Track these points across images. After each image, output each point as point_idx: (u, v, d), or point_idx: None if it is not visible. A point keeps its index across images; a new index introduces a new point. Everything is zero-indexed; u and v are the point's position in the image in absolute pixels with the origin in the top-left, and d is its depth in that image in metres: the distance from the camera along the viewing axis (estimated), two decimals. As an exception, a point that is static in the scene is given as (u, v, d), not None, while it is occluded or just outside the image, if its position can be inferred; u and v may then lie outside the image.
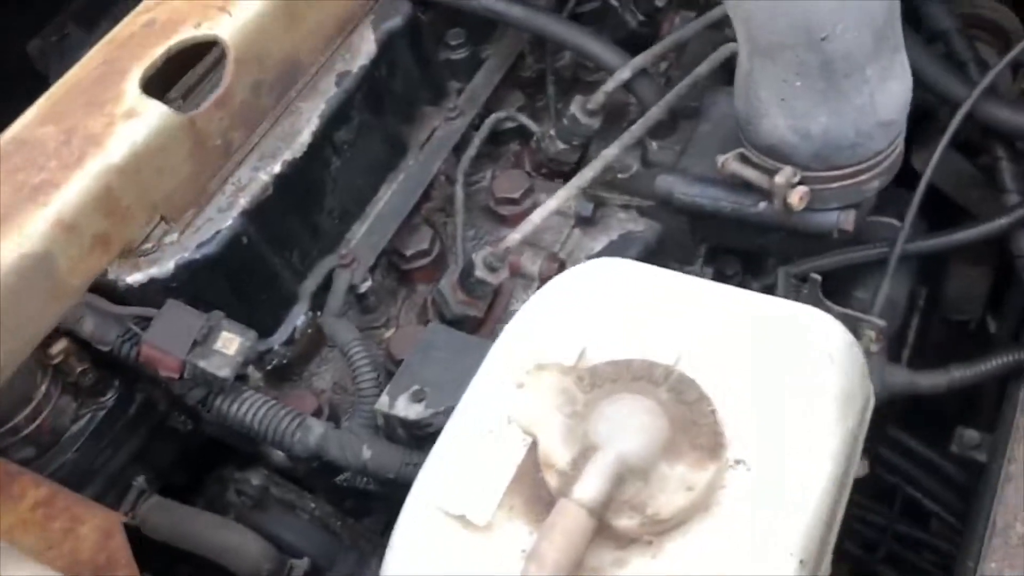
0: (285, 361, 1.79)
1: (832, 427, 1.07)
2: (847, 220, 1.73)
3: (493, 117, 2.00)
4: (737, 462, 1.04)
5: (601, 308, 1.19)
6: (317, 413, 1.71)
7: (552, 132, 1.95)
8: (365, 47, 1.85)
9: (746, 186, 1.73)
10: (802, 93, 1.58)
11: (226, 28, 1.20)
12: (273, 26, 1.22)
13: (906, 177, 1.92)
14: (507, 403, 1.09)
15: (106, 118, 1.15)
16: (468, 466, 1.09)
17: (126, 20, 1.22)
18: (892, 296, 2.09)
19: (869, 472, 2.45)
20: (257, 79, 1.22)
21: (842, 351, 1.14)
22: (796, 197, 1.66)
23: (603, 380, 1.07)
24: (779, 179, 1.66)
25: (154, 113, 1.16)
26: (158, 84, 1.17)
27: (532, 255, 1.86)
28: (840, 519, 1.20)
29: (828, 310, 1.97)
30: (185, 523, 1.68)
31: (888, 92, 1.61)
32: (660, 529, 1.00)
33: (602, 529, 1.00)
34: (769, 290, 2.10)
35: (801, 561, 0.99)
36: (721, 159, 1.73)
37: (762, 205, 1.74)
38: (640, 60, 1.87)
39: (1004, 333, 2.41)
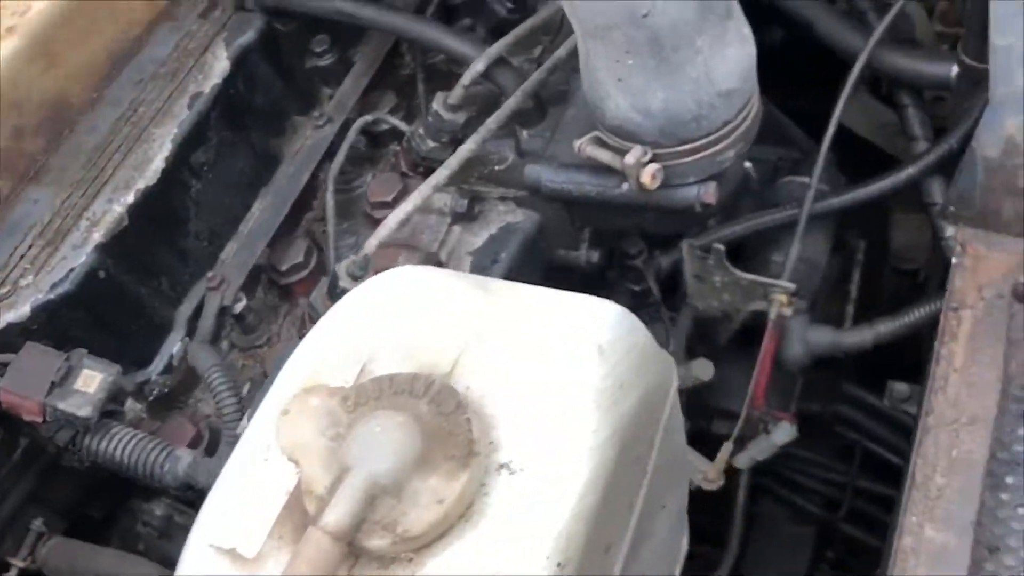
0: (166, 390, 1.78)
1: (594, 421, 1.04)
2: (708, 193, 1.69)
3: (361, 120, 1.97)
4: (502, 466, 1.02)
5: (388, 321, 1.16)
6: (196, 441, 1.70)
7: (421, 131, 1.93)
8: (219, 66, 1.84)
9: (608, 169, 1.71)
10: (636, 71, 1.56)
11: (-28, 76, 1.19)
12: (28, 69, 1.21)
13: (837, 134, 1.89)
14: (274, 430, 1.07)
15: None
16: (242, 497, 1.08)
17: None
18: (809, 256, 2.06)
19: (828, 431, 2.44)
20: (16, 125, 1.21)
21: (615, 340, 1.10)
22: (648, 176, 1.63)
23: (367, 398, 1.05)
24: (629, 159, 1.63)
25: (-99, 172, 1.16)
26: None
27: (407, 257, 1.82)
28: (641, 510, 1.17)
29: (735, 278, 1.96)
30: (85, 561, 1.69)
31: (724, 61, 1.57)
32: (415, 546, 0.98)
33: (360, 551, 0.98)
34: (678, 263, 2.09)
35: (559, 564, 0.97)
36: (577, 143, 1.71)
37: (624, 186, 1.71)
38: (495, 50, 1.84)
39: (933, 281, 2.37)
